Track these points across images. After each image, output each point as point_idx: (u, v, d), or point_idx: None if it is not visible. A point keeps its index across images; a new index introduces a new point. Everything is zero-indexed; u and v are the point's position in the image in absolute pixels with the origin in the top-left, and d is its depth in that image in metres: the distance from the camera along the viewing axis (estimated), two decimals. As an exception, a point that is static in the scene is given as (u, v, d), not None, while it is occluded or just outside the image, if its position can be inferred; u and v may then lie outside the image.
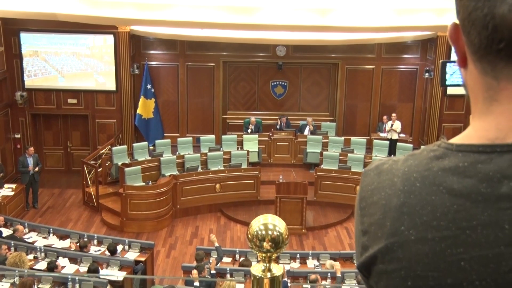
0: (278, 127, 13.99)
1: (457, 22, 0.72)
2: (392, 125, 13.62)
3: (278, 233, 1.40)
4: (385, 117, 14.12)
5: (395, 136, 13.53)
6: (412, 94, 14.67)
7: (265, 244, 1.39)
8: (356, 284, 7.75)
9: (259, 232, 1.39)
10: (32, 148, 11.99)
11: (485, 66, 0.69)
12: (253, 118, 13.99)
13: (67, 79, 13.64)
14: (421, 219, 0.67)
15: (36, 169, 11.77)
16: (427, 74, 13.93)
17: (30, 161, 11.77)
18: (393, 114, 13.82)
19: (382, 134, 13.94)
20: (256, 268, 1.43)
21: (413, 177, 0.70)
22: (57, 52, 13.48)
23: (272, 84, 14.84)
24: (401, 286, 0.69)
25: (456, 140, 0.72)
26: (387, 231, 0.70)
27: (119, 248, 8.81)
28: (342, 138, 13.52)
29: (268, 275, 1.40)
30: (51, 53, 13.49)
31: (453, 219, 0.65)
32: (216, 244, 8.65)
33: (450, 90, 13.58)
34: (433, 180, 0.68)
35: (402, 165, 0.74)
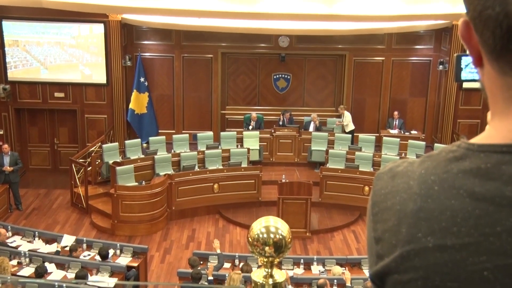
0: (280, 123, 13.98)
1: (468, 19, 0.71)
2: (342, 118, 13.75)
3: (280, 237, 1.40)
4: (395, 112, 14.14)
5: (348, 128, 13.68)
6: (425, 88, 14.65)
7: (267, 248, 1.38)
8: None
9: (261, 236, 1.39)
10: (6, 146, 11.87)
11: (503, 66, 0.68)
12: (254, 114, 13.99)
13: (51, 71, 13.62)
14: (439, 225, 0.67)
15: (10, 168, 11.56)
16: (441, 66, 13.91)
17: (7, 160, 11.63)
18: (340, 106, 13.97)
19: (392, 131, 13.95)
20: (257, 274, 1.42)
21: (430, 180, 0.70)
22: (39, 42, 13.45)
23: (274, 77, 14.83)
24: None
25: (477, 140, 0.72)
26: (403, 238, 0.70)
27: (111, 252, 8.82)
28: (350, 135, 13.51)
29: (270, 281, 1.39)
30: (32, 43, 13.46)
31: (475, 225, 0.65)
32: (218, 251, 8.66)
33: (466, 84, 13.51)
34: (453, 183, 0.68)
35: (418, 167, 0.73)
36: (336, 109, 14.70)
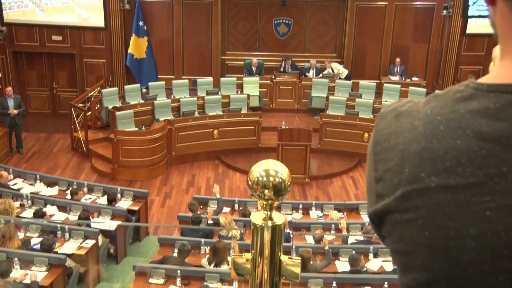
0: (281, 69, 13.84)
1: None
2: (332, 70, 13.64)
3: (280, 180, 1.38)
4: (397, 59, 13.99)
5: (343, 76, 13.60)
6: (428, 33, 14.44)
7: (266, 191, 1.38)
8: (362, 235, 7.90)
9: (260, 179, 1.38)
10: (10, 88, 11.82)
11: None
12: (255, 60, 13.84)
13: (47, 13, 13.36)
14: (444, 165, 0.66)
15: (16, 111, 11.59)
16: (445, 11, 13.64)
17: (11, 102, 11.63)
18: (326, 61, 13.78)
19: (393, 78, 13.84)
20: (256, 217, 1.42)
21: (436, 120, 0.69)
22: (35, -18, 13.14)
23: (275, 22, 14.59)
24: (418, 236, 0.68)
25: (486, 80, 0.70)
26: (405, 178, 0.69)
27: (111, 196, 8.92)
28: (350, 81, 13.42)
29: (269, 223, 1.39)
30: None
31: (481, 165, 0.64)
32: (218, 196, 8.75)
33: (470, 29, 13.36)
34: (459, 123, 0.67)
35: (423, 107, 0.72)
36: (337, 55, 14.55)
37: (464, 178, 0.65)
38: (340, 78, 13.53)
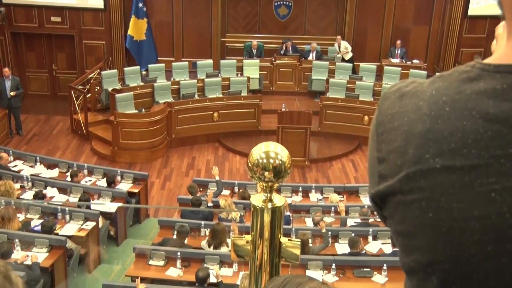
0: (282, 52, 13.77)
1: None
2: (339, 47, 13.57)
3: (280, 162, 1.38)
4: (398, 41, 13.90)
5: (347, 56, 13.54)
6: (429, 15, 14.34)
7: (266, 173, 1.37)
8: (359, 217, 7.92)
9: (260, 161, 1.37)
10: (7, 69, 11.72)
11: None
12: (255, 42, 13.76)
13: None
14: (449, 146, 0.65)
15: (12, 93, 11.47)
16: (447, -8, 13.55)
17: (8, 84, 11.53)
18: (338, 37, 13.74)
19: (394, 60, 13.78)
20: (257, 199, 1.41)
21: (441, 101, 0.68)
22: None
23: (276, 4, 14.48)
24: (421, 218, 0.68)
25: (492, 60, 0.69)
26: (409, 159, 0.69)
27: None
28: (351, 64, 13.36)
29: (269, 205, 1.39)
30: None
31: (486, 146, 0.63)
32: (217, 178, 8.75)
33: (471, 11, 13.27)
34: (465, 104, 0.66)
35: (428, 87, 0.71)
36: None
37: (469, 159, 0.64)
38: (343, 59, 13.46)
